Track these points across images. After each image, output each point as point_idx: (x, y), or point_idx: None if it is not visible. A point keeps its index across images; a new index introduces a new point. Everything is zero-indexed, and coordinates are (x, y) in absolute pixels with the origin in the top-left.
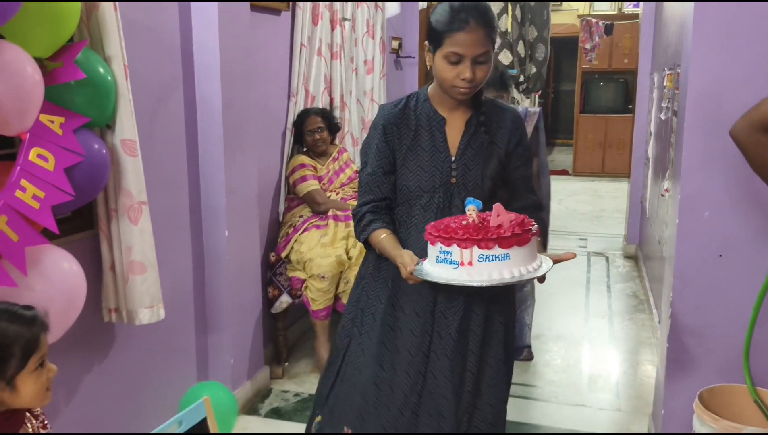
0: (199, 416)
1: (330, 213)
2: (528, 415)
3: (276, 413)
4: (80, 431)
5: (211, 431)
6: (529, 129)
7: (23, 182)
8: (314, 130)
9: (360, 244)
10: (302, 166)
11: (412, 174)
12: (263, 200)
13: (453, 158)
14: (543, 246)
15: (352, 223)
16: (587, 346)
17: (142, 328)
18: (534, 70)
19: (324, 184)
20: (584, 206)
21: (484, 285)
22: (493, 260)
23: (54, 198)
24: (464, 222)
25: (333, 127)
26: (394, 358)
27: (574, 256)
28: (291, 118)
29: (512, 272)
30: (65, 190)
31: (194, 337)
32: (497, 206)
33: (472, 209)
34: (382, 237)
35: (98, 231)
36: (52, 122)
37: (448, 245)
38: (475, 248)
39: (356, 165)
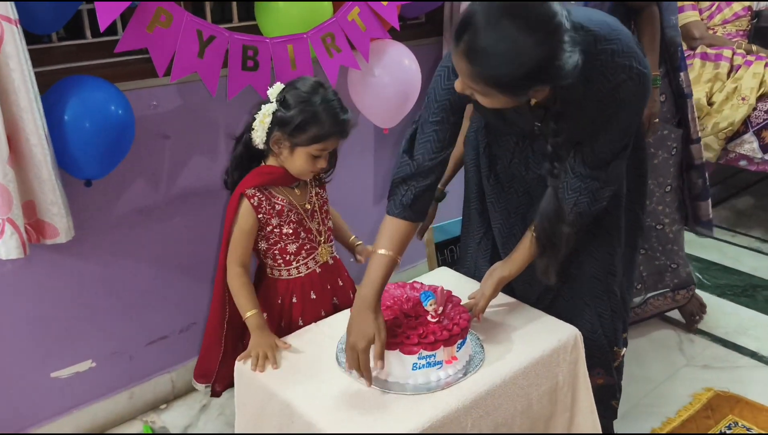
0: None
1: (698, 50)
2: None
3: None
4: None
5: None
6: None
7: None
8: None
9: (725, 89)
10: None
11: None
12: None
13: None
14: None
15: (721, 63)
16: None
17: None
18: None
19: (703, 18)
20: None
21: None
22: None
23: None
24: None
25: None
26: None
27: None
28: None
29: None
30: None
31: None
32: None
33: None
34: None
35: (443, 37)
36: None
37: None
38: None
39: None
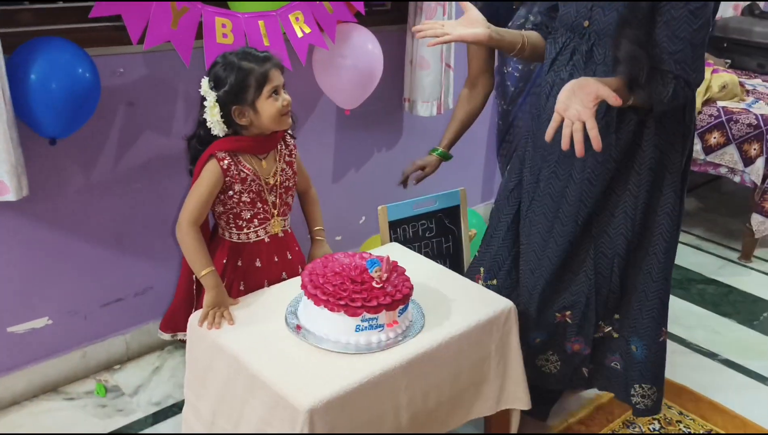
0: (453, 202)
1: None
2: None
3: None
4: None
5: (462, 219)
6: None
7: None
8: None
9: None
10: None
11: None
12: None
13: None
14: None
15: None
16: None
17: (429, 124)
18: None
19: None
20: None
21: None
22: None
23: None
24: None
25: None
26: None
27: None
28: None
29: None
30: None
31: (484, 151)
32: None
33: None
34: None
35: (407, 25)
36: None
37: None
38: None
39: None
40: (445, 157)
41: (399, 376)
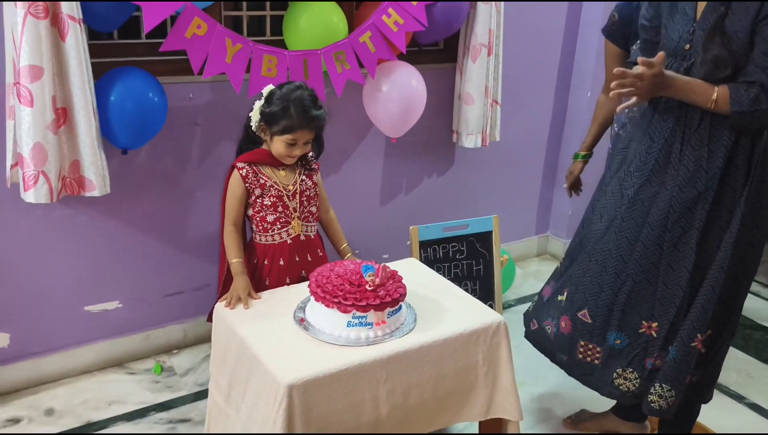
0: (485, 228)
1: None
2: None
3: None
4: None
5: (494, 244)
6: None
7: (390, 10)
8: None
9: None
10: None
11: None
12: None
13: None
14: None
15: None
16: None
17: (478, 154)
18: None
19: None
20: None
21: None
22: None
23: (410, 26)
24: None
25: None
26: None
27: None
28: None
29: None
30: (420, 21)
31: (539, 182)
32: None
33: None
34: None
35: (456, 64)
36: None
37: None
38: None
39: None
40: (586, 157)
41: (379, 368)
